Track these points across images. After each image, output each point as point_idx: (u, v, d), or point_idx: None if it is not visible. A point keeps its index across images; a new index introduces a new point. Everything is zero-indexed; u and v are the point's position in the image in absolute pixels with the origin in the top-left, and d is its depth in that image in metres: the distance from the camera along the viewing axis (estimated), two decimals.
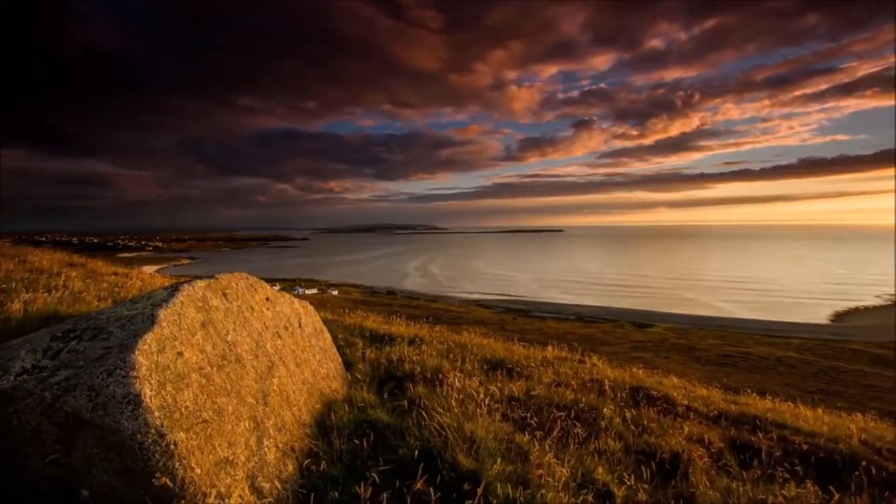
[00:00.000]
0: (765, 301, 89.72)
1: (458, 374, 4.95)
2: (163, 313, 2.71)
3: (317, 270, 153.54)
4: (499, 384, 5.02)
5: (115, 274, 7.88)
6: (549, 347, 8.43)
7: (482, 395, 4.25)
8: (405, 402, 4.03)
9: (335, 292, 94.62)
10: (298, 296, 6.51)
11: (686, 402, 6.03)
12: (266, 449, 2.78)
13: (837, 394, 33.14)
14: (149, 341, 2.45)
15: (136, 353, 2.34)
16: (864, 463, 4.74)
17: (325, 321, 7.19)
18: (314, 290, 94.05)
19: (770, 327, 66.66)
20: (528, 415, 4.25)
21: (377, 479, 2.76)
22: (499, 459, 3.18)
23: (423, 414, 3.67)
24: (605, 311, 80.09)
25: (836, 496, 3.82)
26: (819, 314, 78.69)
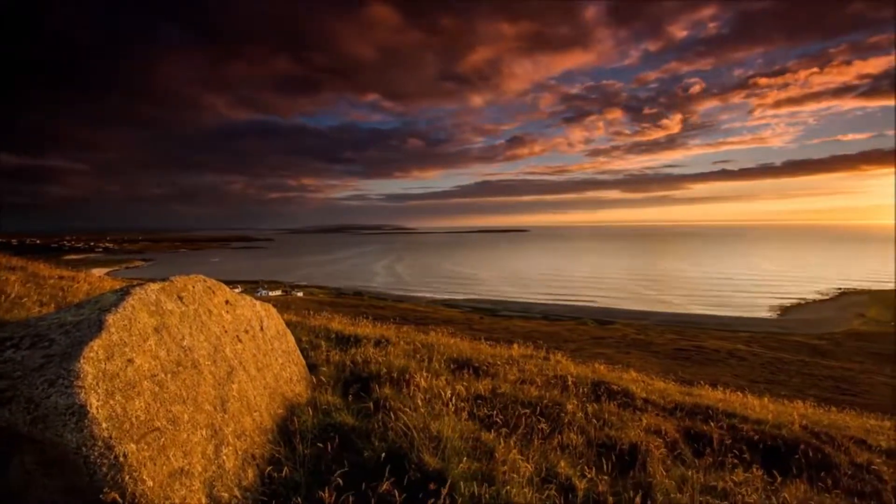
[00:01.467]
0: (719, 297, 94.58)
1: (424, 374, 4.95)
2: (112, 318, 2.57)
3: (281, 272, 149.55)
4: (465, 383, 5.06)
5: (60, 277, 7.40)
6: (515, 346, 8.57)
7: (448, 395, 4.27)
8: (371, 404, 3.99)
9: (300, 294, 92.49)
10: (261, 298, 6.32)
11: (644, 395, 6.27)
12: (225, 457, 2.68)
13: (781, 383, 35.41)
14: (95, 348, 2.32)
15: (81, 361, 2.21)
16: (803, 447, 5.09)
17: (288, 323, 7.03)
18: (278, 292, 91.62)
19: (722, 322, 70.27)
20: (494, 412, 4.31)
21: (341, 482, 2.73)
22: (464, 458, 3.21)
23: (390, 415, 3.65)
24: (569, 309, 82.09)
25: (779, 479, 4.10)
26: (766, 309, 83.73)
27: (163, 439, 2.30)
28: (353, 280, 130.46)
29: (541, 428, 4.21)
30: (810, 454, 4.99)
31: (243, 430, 3.00)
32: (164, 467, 2.23)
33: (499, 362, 6.58)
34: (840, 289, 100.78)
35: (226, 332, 3.63)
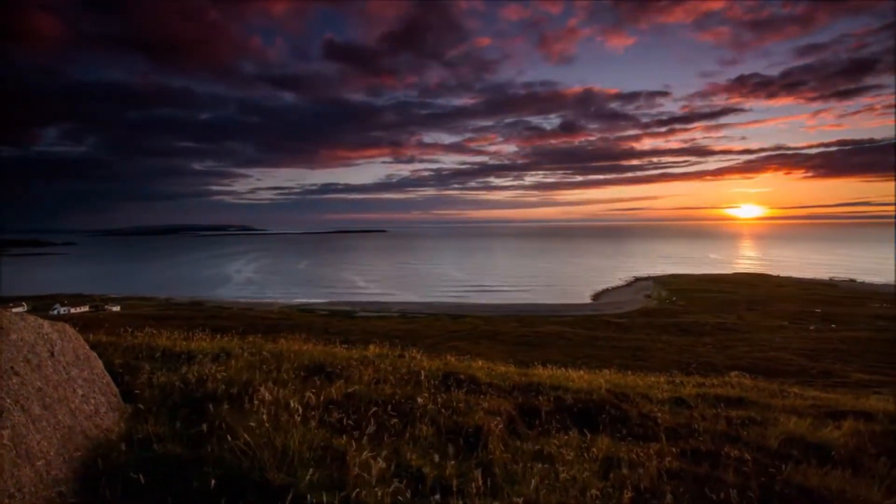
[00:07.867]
0: (553, 288, 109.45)
1: (270, 386, 4.61)
2: None
3: (90, 283, 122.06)
4: (316, 389, 4.87)
5: None
6: (372, 346, 8.57)
7: (296, 404, 4.07)
8: (205, 427, 3.57)
9: (117, 308, 77.18)
10: (57, 317, 5.11)
11: (488, 379, 6.89)
12: None
13: (595, 356, 42.77)
14: None
15: None
16: (607, 407, 6.22)
17: (96, 344, 5.87)
18: (84, 308, 74.93)
19: (554, 309, 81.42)
20: (346, 416, 4.26)
21: None
22: (312, 468, 3.09)
23: (227, 436, 3.31)
24: (425, 307, 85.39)
25: (590, 436, 4.95)
26: (586, 296, 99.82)
27: None
28: (189, 289, 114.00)
29: (393, 424, 4.31)
30: (612, 412, 6.13)
31: (19, 486, 2.38)
32: None
33: (353, 364, 6.50)
34: (635, 276, 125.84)
35: None
